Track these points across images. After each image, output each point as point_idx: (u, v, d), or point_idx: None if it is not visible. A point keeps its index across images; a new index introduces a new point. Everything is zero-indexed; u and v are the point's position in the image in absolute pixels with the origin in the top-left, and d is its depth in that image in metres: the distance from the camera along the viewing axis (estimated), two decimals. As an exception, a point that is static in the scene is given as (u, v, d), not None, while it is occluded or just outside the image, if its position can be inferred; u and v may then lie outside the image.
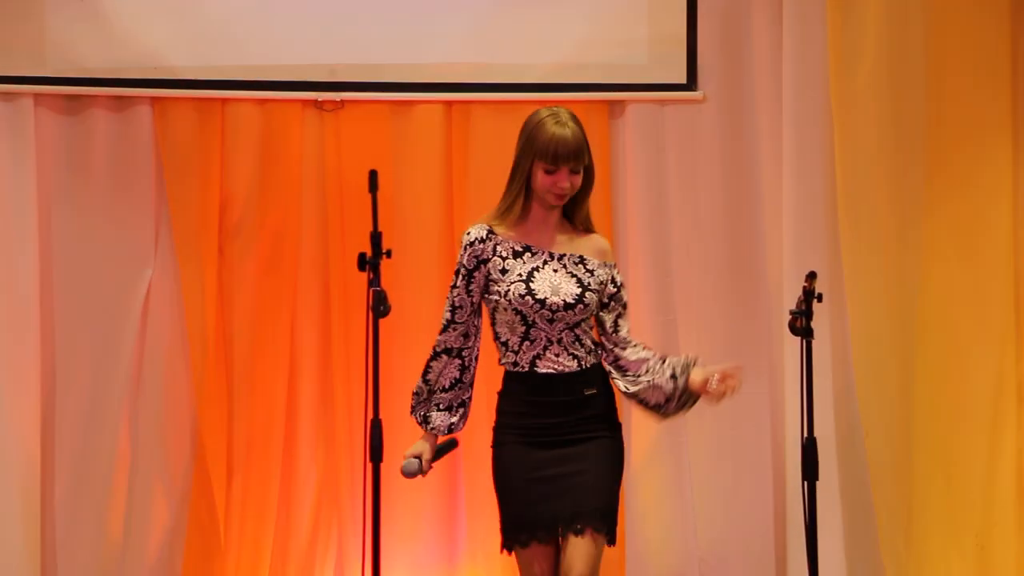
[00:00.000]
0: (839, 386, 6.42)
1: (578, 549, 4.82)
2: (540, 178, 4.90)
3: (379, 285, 4.94)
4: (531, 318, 4.89)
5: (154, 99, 6.41)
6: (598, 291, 4.94)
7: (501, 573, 6.29)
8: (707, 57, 6.51)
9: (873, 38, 6.41)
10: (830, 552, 6.25)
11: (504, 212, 4.97)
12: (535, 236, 4.96)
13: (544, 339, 4.90)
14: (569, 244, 4.98)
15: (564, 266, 4.92)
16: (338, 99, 6.46)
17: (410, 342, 6.38)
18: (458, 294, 4.95)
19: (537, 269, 4.91)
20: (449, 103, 6.49)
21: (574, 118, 4.93)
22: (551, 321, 4.89)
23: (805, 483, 5.12)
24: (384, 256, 4.97)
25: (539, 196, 4.94)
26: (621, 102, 6.52)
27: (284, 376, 6.42)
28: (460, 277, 4.96)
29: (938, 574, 6.32)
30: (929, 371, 6.38)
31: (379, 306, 4.93)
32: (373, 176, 5.00)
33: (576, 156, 4.88)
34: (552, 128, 4.88)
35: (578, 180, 4.92)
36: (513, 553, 4.95)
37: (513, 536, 4.93)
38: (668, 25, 6.50)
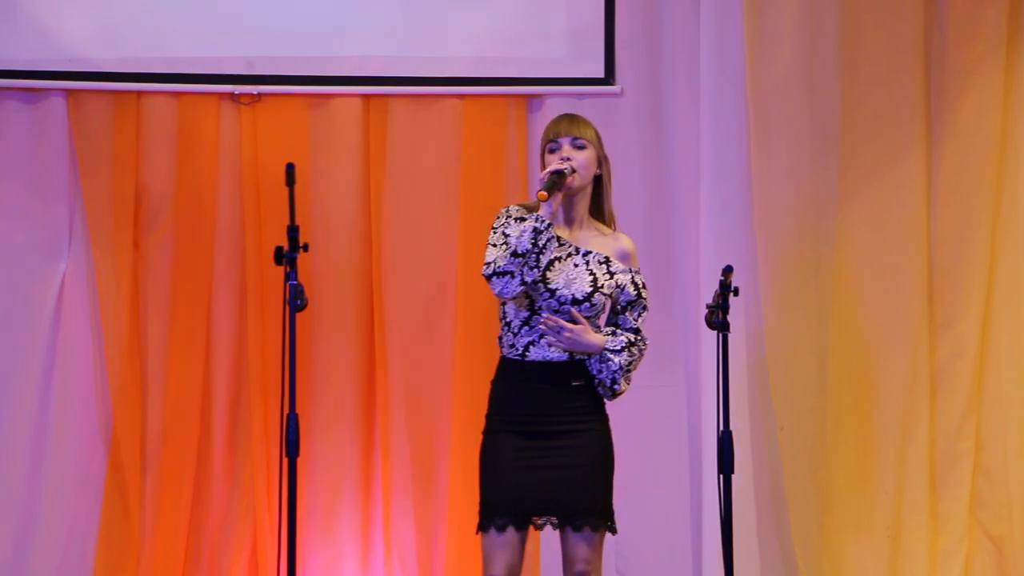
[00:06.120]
0: (755, 379, 6.45)
1: (579, 547, 5.03)
2: (547, 160, 5.01)
3: (296, 279, 4.94)
4: (538, 304, 4.95)
5: (69, 92, 6.36)
6: (610, 295, 5.05)
7: (417, 568, 6.28)
8: (625, 51, 6.53)
9: (789, 31, 6.45)
10: (744, 544, 6.30)
11: (528, 206, 5.08)
12: (564, 230, 5.07)
13: (543, 328, 4.98)
14: (596, 242, 5.08)
15: (587, 262, 5.02)
16: (255, 92, 6.43)
17: (327, 336, 6.36)
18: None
19: (559, 260, 4.99)
20: (367, 97, 6.48)
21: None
22: (556, 312, 4.96)
23: (720, 476, 5.14)
24: (301, 250, 4.96)
25: None
26: (539, 96, 6.53)
27: (199, 370, 6.38)
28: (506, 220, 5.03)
29: (850, 566, 6.38)
30: (843, 364, 6.43)
31: (296, 300, 4.92)
32: (290, 170, 4.99)
33: (574, 128, 5.05)
34: (553, 119, 5.11)
35: (583, 157, 5.03)
36: (479, 535, 5.01)
37: (491, 519, 4.98)
38: (586, 19, 6.51)
